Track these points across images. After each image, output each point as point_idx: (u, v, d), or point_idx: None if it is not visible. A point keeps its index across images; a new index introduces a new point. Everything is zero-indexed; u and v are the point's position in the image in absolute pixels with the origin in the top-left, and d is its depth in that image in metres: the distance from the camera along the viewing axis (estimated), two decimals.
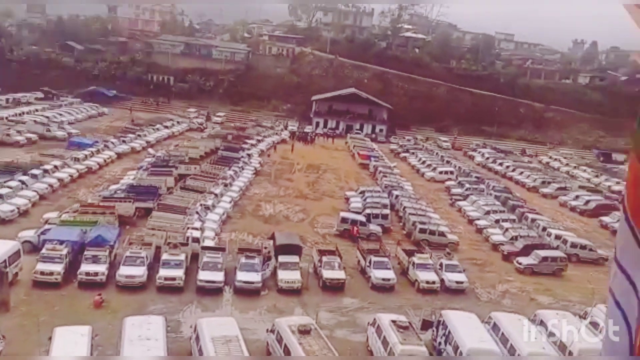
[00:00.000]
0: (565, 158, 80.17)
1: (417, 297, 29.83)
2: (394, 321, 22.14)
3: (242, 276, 28.11)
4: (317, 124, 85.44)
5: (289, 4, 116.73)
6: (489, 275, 34.07)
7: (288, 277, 28.53)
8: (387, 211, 41.00)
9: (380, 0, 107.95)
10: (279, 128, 79.22)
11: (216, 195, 40.60)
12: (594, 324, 24.43)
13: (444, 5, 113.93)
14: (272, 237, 32.25)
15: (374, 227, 38.22)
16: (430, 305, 27.98)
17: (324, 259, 29.99)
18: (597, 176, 69.07)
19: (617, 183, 65.28)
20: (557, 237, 39.57)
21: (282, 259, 29.53)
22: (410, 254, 32.29)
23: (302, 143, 72.54)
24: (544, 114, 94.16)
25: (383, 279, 29.97)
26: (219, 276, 27.93)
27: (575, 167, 74.57)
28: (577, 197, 54.19)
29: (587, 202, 52.20)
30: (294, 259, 29.70)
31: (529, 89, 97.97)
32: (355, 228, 37.37)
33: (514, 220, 42.96)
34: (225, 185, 44.05)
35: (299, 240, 32.33)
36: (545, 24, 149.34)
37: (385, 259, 31.11)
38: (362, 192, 46.39)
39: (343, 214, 39.14)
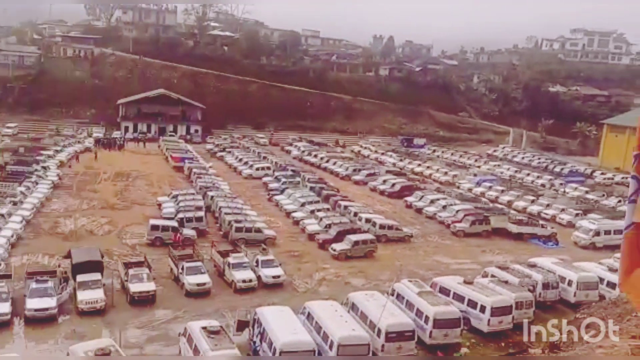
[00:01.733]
0: (373, 146, 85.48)
1: (235, 298, 28.95)
2: (204, 327, 20.97)
3: (33, 304, 24.79)
4: (127, 128, 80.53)
5: (85, 3, 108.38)
6: (306, 266, 34.39)
7: (89, 297, 25.74)
8: (201, 213, 39.49)
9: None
10: (82, 136, 73.04)
11: (2, 215, 35.61)
12: (400, 298, 25.77)
13: (248, 3, 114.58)
14: (69, 255, 28.97)
15: (188, 231, 36.48)
16: (249, 304, 27.23)
17: (131, 271, 27.70)
18: (401, 160, 74.73)
19: (419, 165, 71.24)
20: (367, 220, 41.44)
21: (80, 278, 26.59)
22: (225, 254, 31.29)
23: (109, 150, 67.58)
24: (352, 106, 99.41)
25: (197, 285, 28.56)
26: (4, 307, 24.37)
27: (382, 153, 79.89)
28: (384, 181, 57.67)
29: (393, 184, 55.81)
30: (95, 276, 26.90)
31: (336, 83, 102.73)
32: (178, 234, 35.36)
33: (328, 209, 44.15)
34: (15, 203, 38.96)
35: (100, 255, 29.38)
36: (346, 21, 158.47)
37: (199, 263, 29.73)
38: (175, 196, 44.25)
39: (153, 221, 36.76)
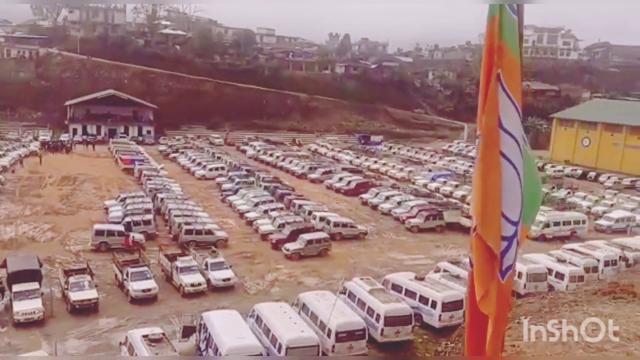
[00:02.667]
0: (330, 144, 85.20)
1: (183, 303, 27.97)
2: (145, 336, 20.05)
3: None
4: (75, 130, 78.10)
5: (30, 2, 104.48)
6: (258, 267, 33.66)
7: (26, 307, 24.39)
8: (149, 216, 38.20)
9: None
10: (28, 139, 70.31)
11: None
12: (352, 297, 25.35)
13: (200, 2, 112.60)
14: (4, 265, 27.48)
15: (135, 235, 35.23)
16: (198, 309, 26.36)
17: (71, 279, 26.43)
18: (357, 157, 74.67)
19: (375, 162, 71.24)
20: (322, 219, 40.93)
21: (17, 287, 25.22)
22: (172, 258, 30.27)
23: (55, 153, 65.18)
24: (308, 104, 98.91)
25: (143, 290, 27.48)
26: None
27: (339, 151, 79.76)
28: (340, 178, 57.36)
29: (349, 182, 55.54)
30: (33, 285, 25.56)
31: (292, 81, 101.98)
32: (131, 238, 34.12)
33: (282, 209, 43.44)
34: None
35: (37, 263, 27.98)
36: (302, 20, 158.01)
37: (145, 268, 28.60)
38: (123, 199, 42.81)
39: (97, 226, 35.36)
